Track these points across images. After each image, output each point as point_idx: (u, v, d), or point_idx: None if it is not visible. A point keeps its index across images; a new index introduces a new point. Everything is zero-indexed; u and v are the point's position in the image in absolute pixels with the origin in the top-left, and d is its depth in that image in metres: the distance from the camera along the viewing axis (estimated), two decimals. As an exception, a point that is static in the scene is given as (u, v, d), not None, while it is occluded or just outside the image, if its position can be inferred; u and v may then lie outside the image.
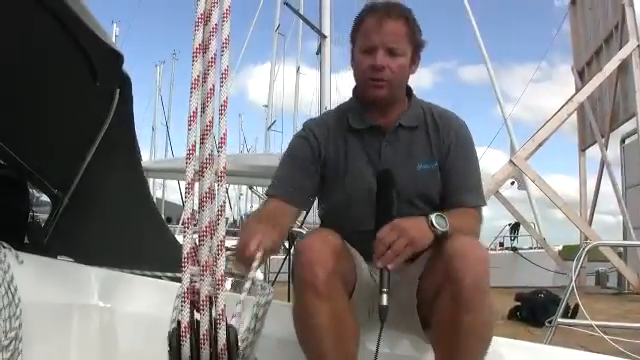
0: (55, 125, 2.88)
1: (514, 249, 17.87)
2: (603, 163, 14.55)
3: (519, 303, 8.11)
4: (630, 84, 11.05)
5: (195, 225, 1.27)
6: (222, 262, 1.25)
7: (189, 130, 1.22)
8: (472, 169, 2.33)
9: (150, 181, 13.72)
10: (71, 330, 2.46)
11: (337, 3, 13.65)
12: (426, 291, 2.00)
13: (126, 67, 2.86)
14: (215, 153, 1.24)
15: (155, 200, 10.75)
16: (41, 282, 2.45)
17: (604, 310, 7.87)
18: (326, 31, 13.91)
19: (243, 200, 42.61)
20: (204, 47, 1.25)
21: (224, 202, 1.26)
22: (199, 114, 1.23)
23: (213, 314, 1.25)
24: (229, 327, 1.26)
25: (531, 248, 18.30)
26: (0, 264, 2.30)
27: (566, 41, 15.19)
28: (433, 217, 1.97)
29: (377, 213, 2.04)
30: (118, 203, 3.21)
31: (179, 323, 1.23)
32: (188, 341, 1.23)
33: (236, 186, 34.33)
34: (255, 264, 1.81)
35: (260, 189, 12.84)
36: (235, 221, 40.59)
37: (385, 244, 1.88)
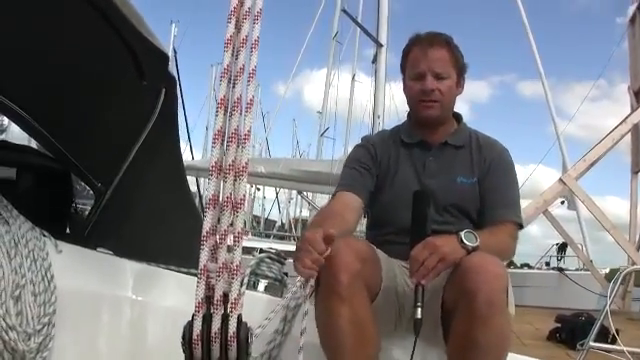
0: (102, 121, 2.97)
1: (560, 269, 17.54)
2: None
3: (559, 325, 7.94)
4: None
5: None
6: (238, 259, 1.29)
7: (213, 146, 1.28)
8: (510, 188, 2.48)
9: (201, 180, 13.87)
10: (103, 320, 2.54)
11: (395, 13, 13.70)
12: (447, 304, 2.08)
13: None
14: (239, 152, 1.28)
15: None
16: (77, 271, 2.53)
17: (646, 337, 7.68)
18: (383, 40, 13.97)
19: (293, 204, 42.74)
20: (233, 45, 1.30)
21: (243, 198, 1.29)
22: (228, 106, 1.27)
23: (227, 310, 1.29)
24: (240, 323, 1.29)
25: (577, 270, 17.94)
26: (39, 252, 2.39)
27: (626, 60, 14.93)
28: (463, 234, 2.07)
29: (412, 231, 2.15)
30: (158, 200, 3.29)
31: (193, 317, 1.27)
32: (200, 336, 1.27)
33: (286, 190, 34.53)
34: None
35: (310, 195, 12.91)
36: (283, 224, 40.74)
37: (419, 261, 1.99)
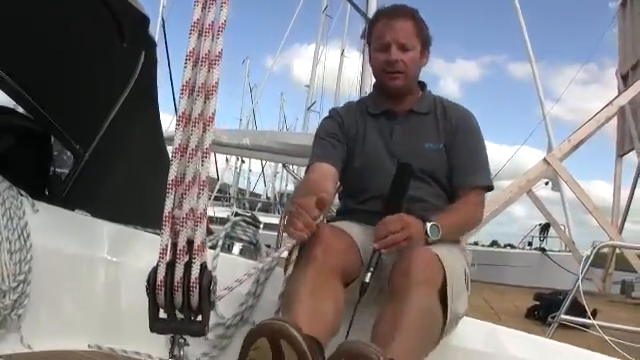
0: (81, 82, 2.97)
1: (542, 250, 17.70)
2: (639, 170, 14.24)
3: (537, 302, 8.04)
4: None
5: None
6: (203, 206, 1.31)
7: (181, 97, 1.29)
8: (478, 151, 2.53)
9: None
10: (78, 280, 2.55)
11: (384, -12, 13.57)
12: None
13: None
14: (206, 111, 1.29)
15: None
16: (54, 231, 2.54)
17: (624, 319, 7.77)
18: (371, 14, 13.85)
19: (278, 178, 42.76)
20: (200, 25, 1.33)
21: (209, 148, 1.31)
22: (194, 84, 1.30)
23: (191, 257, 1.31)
24: (204, 270, 1.31)
25: (560, 251, 18.10)
26: (16, 210, 2.40)
27: (616, 44, 14.93)
28: (429, 226, 2.15)
29: (388, 199, 2.23)
30: (137, 162, 3.29)
31: (158, 263, 1.29)
32: (163, 282, 1.29)
33: (272, 164, 34.52)
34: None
35: (295, 168, 12.88)
36: (268, 198, 40.76)
37: (388, 230, 2.06)
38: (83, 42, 2.84)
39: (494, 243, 26.48)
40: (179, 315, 1.39)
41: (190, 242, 1.32)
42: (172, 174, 1.31)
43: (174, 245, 1.33)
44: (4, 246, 2.28)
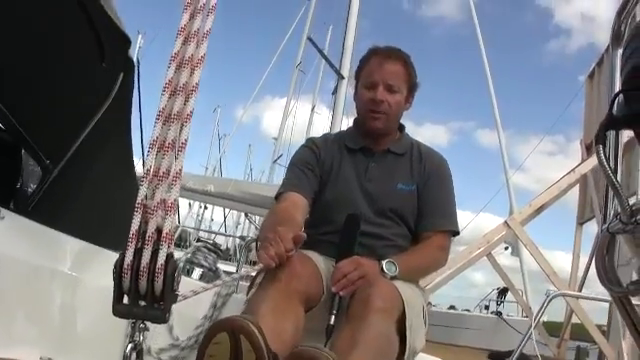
0: (57, 99, 2.98)
1: (499, 313, 17.78)
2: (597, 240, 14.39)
3: (491, 361, 8.10)
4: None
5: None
6: (174, 196, 1.34)
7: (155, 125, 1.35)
8: (447, 197, 2.60)
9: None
10: (37, 291, 2.53)
11: (360, 49, 13.73)
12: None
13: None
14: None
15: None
16: (17, 240, 2.52)
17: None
18: (345, 72, 13.99)
19: (239, 229, 42.38)
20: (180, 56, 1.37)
21: (185, 141, 1.34)
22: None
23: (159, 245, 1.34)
24: (170, 258, 1.34)
25: (517, 316, 18.16)
26: (-19, 215, 2.39)
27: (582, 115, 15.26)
28: (384, 263, 2.23)
29: (339, 249, 2.30)
30: (104, 182, 3.28)
31: (126, 248, 1.32)
32: (130, 267, 1.32)
33: (235, 213, 34.30)
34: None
35: (257, 219, 12.83)
36: (228, 249, 40.41)
37: (343, 273, 2.12)
38: (62, 58, 2.85)
39: (452, 307, 26.51)
40: (142, 303, 1.41)
41: (159, 231, 1.35)
42: (147, 166, 1.34)
43: (143, 233, 1.35)
44: (-37, 248, 2.26)
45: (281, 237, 2.00)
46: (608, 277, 1.27)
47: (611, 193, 1.26)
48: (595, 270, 1.37)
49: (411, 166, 2.56)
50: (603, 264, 1.27)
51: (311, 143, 2.65)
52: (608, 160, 1.20)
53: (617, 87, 1.28)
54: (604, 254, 1.27)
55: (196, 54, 1.38)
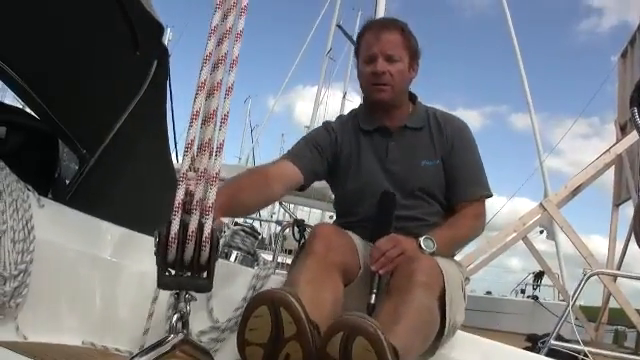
0: (92, 88, 3.02)
1: (535, 297, 17.59)
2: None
3: (529, 344, 8.01)
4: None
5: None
6: (217, 167, 1.35)
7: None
8: (474, 163, 2.54)
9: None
10: (78, 277, 2.56)
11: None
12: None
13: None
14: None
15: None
16: (58, 227, 2.56)
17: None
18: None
19: (274, 218, 42.51)
20: (213, 59, 1.39)
21: (227, 114, 1.35)
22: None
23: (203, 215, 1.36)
24: (213, 230, 1.36)
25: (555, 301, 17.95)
26: (22, 202, 2.43)
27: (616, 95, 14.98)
28: (422, 240, 2.21)
29: (375, 228, 2.28)
30: (141, 170, 3.32)
31: (172, 219, 1.33)
32: (176, 236, 1.33)
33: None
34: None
35: (291, 207, 12.84)
36: (264, 238, 40.58)
37: (381, 251, 2.12)
38: (97, 48, 2.88)
39: (488, 293, 26.35)
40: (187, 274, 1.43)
41: (203, 200, 1.37)
42: (189, 138, 1.35)
43: (187, 203, 1.37)
44: (8, 234, 2.29)
45: None
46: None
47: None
48: (636, 241, 1.36)
49: (432, 139, 2.48)
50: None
51: (330, 127, 2.57)
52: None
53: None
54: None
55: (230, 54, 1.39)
